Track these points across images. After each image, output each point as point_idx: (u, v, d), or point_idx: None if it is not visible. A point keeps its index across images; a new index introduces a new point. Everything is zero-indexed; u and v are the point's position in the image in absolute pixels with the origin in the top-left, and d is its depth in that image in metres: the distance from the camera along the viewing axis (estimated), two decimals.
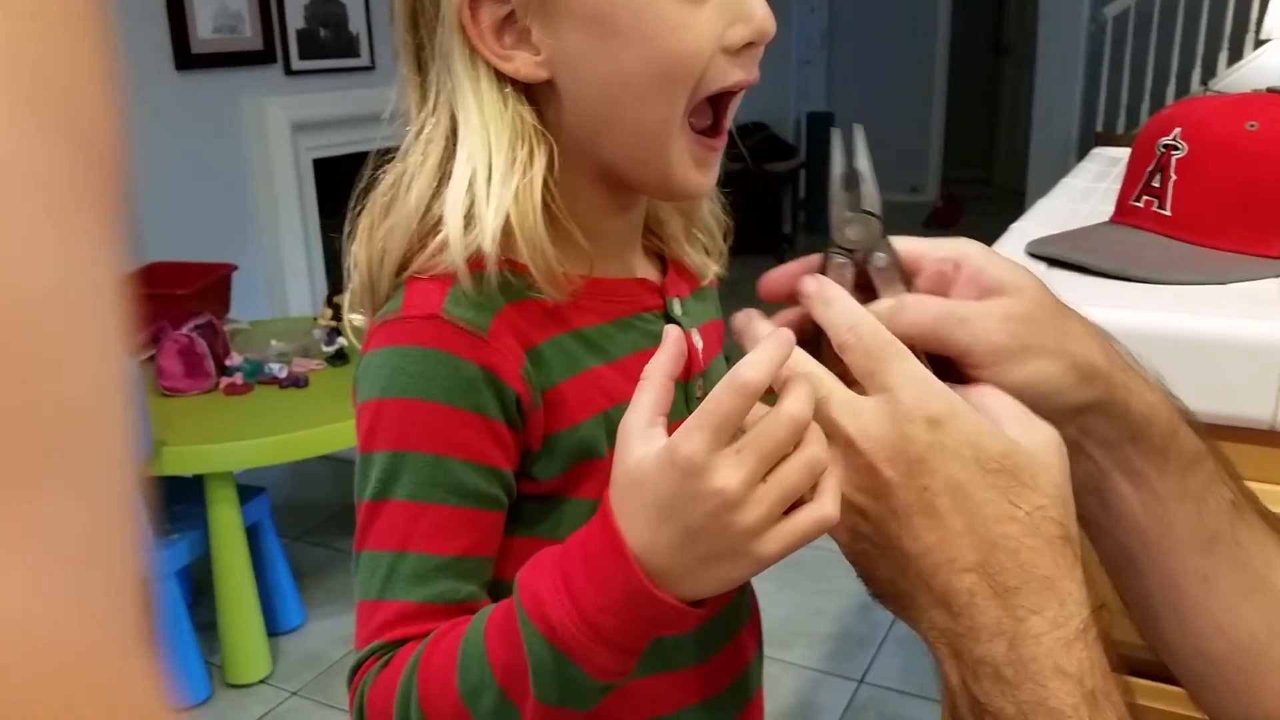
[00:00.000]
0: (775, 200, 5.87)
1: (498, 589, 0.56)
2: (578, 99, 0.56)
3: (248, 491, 2.12)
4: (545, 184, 0.55)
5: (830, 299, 0.55)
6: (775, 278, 0.58)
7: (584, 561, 0.49)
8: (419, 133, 0.58)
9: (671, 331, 0.51)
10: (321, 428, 1.98)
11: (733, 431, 0.47)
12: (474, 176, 0.54)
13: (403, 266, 0.57)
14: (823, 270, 0.57)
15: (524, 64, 0.55)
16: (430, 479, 0.54)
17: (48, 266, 0.16)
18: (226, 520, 2.00)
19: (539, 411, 0.56)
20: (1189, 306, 0.81)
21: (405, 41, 0.58)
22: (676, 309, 0.64)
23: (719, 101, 0.57)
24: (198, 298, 2.35)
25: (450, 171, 0.56)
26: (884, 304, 0.55)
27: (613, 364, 0.59)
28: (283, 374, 2.18)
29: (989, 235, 1.11)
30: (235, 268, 2.57)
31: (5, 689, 0.13)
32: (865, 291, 0.56)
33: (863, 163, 0.56)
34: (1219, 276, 0.89)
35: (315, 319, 2.48)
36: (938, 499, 0.49)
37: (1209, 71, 5.31)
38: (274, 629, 2.15)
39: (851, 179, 0.56)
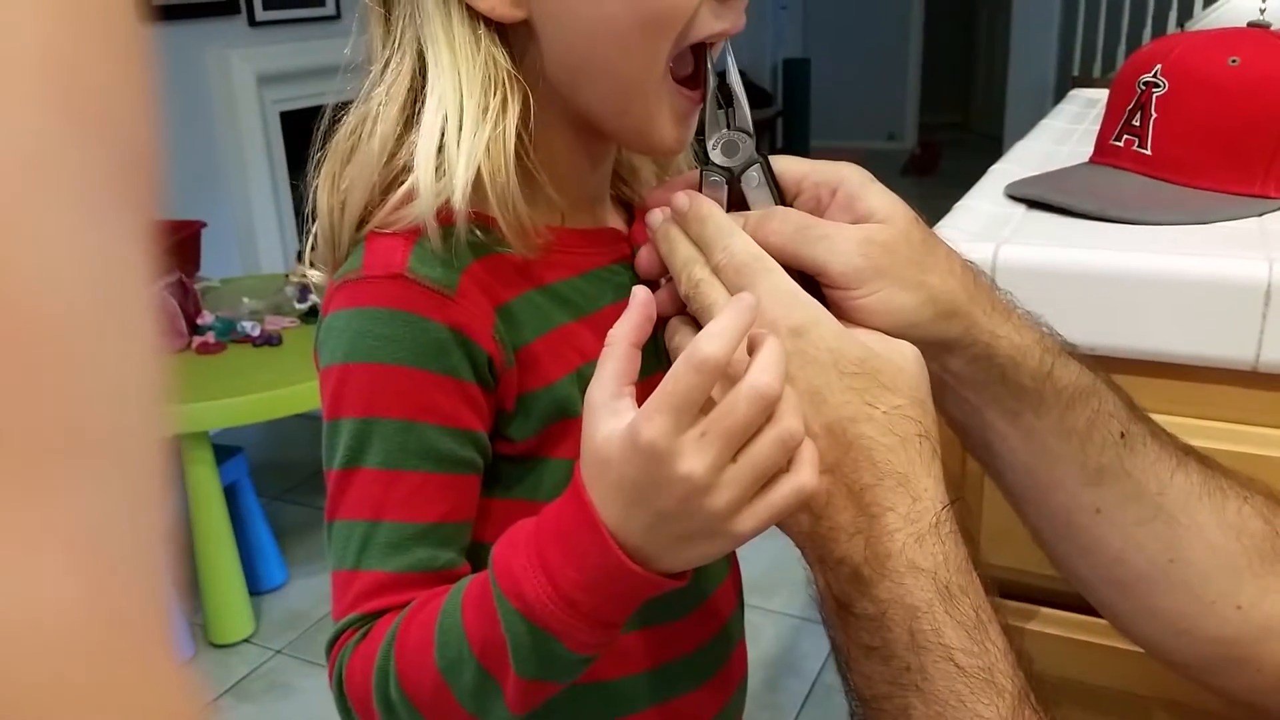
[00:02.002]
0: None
1: (477, 552, 0.55)
2: (556, 43, 0.53)
3: (224, 451, 2.10)
4: (518, 135, 0.52)
5: (704, 216, 0.55)
6: (657, 197, 0.58)
7: (558, 537, 0.48)
8: (383, 70, 0.55)
9: (638, 294, 0.49)
10: (297, 385, 1.96)
11: (695, 411, 0.45)
12: (445, 124, 0.52)
13: (363, 220, 0.54)
14: (699, 189, 0.57)
15: (499, 1, 0.52)
16: (402, 445, 0.52)
17: (82, 268, 0.16)
18: (203, 481, 1.98)
19: (512, 371, 0.54)
20: (1170, 247, 0.80)
21: None
22: None
23: (699, 49, 0.55)
24: (167, 255, 2.31)
25: (416, 116, 0.53)
26: (752, 215, 0.56)
27: (585, 319, 0.58)
28: (255, 332, 2.15)
29: (967, 179, 1.10)
30: (204, 225, 2.53)
31: (34, 684, 0.13)
32: (740, 210, 0.57)
33: (734, 78, 0.56)
34: (1200, 216, 0.88)
35: (287, 276, 2.45)
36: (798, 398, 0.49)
37: (1185, 14, 5.28)
38: (256, 588, 2.15)
39: (725, 95, 0.55)
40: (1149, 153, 0.94)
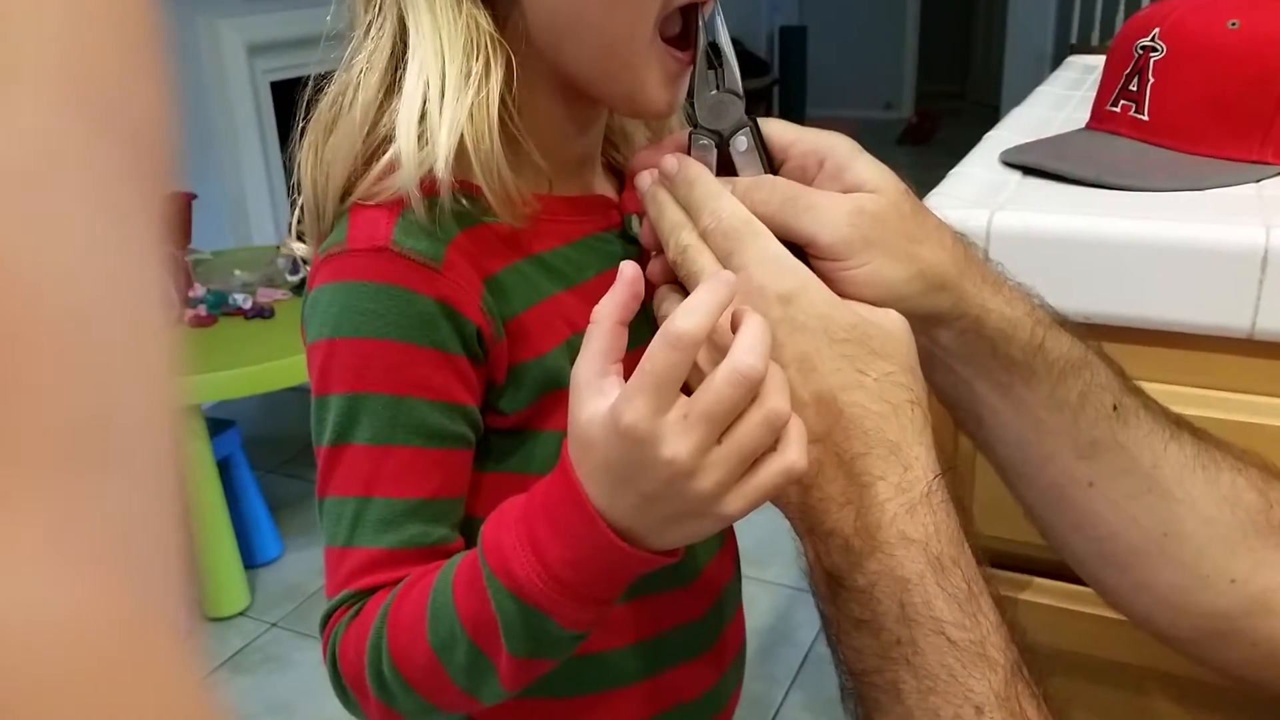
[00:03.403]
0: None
1: (470, 526, 0.54)
2: (539, 4, 0.52)
3: (217, 425, 2.09)
4: (503, 100, 0.51)
5: (693, 179, 0.54)
6: (645, 159, 0.57)
7: (547, 515, 0.47)
8: (364, 36, 0.53)
9: (625, 270, 0.48)
10: (289, 358, 1.94)
11: (675, 390, 0.44)
12: (426, 91, 0.50)
13: (346, 191, 0.53)
14: (688, 152, 0.56)
15: None
16: (391, 421, 0.51)
17: (96, 263, 0.16)
18: (197, 455, 1.97)
19: (502, 343, 0.53)
20: (1166, 213, 0.79)
21: None
22: (635, 226, 0.61)
23: (689, 9, 0.54)
24: None
25: (398, 82, 0.52)
26: (741, 181, 0.55)
27: (574, 289, 0.57)
28: (247, 305, 2.14)
29: (964, 148, 1.09)
30: (194, 196, 2.51)
31: (50, 684, 0.13)
32: (729, 173, 0.56)
33: (723, 39, 0.54)
34: (1197, 182, 0.87)
35: (279, 248, 2.43)
36: (786, 372, 0.48)
37: None
38: (251, 562, 2.15)
39: (714, 58, 0.54)
40: (1146, 118, 0.92)
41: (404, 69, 0.52)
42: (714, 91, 0.55)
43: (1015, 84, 5.57)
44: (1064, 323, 0.58)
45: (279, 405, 2.72)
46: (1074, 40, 5.54)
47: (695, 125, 0.56)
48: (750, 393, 0.44)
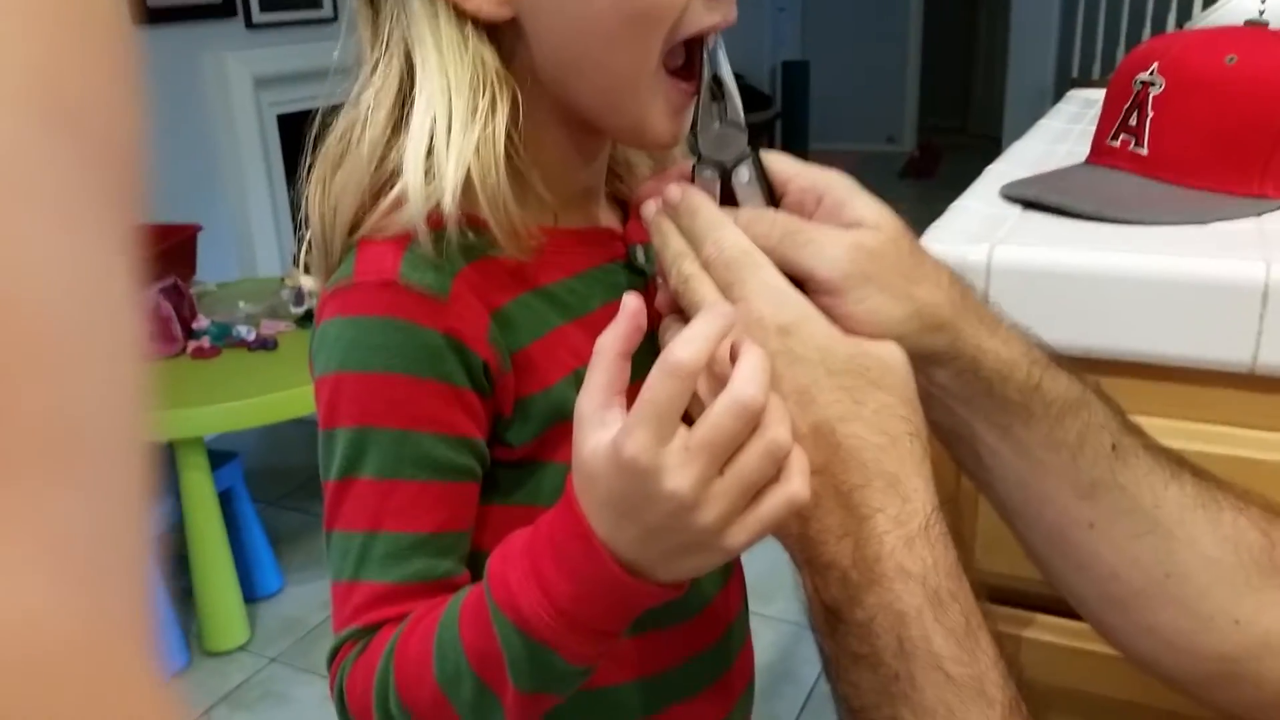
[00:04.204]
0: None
1: (476, 560, 0.54)
2: (544, 41, 0.52)
3: (219, 457, 2.09)
4: (508, 135, 0.52)
5: (695, 208, 0.54)
6: (650, 189, 0.57)
7: (552, 549, 0.47)
8: (371, 72, 0.54)
9: (628, 302, 0.48)
10: (292, 390, 1.95)
11: (675, 421, 0.44)
12: (433, 127, 0.51)
13: (354, 226, 0.53)
14: (691, 182, 0.56)
15: (486, 1, 0.51)
16: (398, 455, 0.51)
17: (60, 272, 0.16)
18: (198, 487, 1.97)
19: (508, 376, 0.54)
20: (1166, 247, 0.79)
21: None
22: (639, 257, 0.62)
23: (693, 42, 0.54)
24: (162, 260, 2.30)
25: (405, 118, 0.52)
26: (743, 213, 0.55)
27: (580, 320, 0.57)
28: (251, 336, 2.14)
29: (966, 181, 1.09)
30: (200, 228, 2.52)
31: (15, 691, 0.13)
32: (731, 204, 0.56)
33: (725, 71, 0.55)
34: (1197, 216, 0.87)
35: (283, 279, 2.44)
36: (784, 403, 0.48)
37: (1184, 14, 5.28)
38: (251, 595, 2.14)
39: (717, 90, 0.55)
40: (1146, 152, 0.93)
41: (411, 105, 0.52)
42: (717, 124, 0.55)
43: (1017, 117, 5.60)
44: (1061, 362, 0.58)
45: (281, 437, 2.72)
46: (1075, 74, 5.57)
47: (699, 156, 0.56)
48: (751, 423, 0.44)
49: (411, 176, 0.50)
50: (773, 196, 0.57)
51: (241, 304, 2.28)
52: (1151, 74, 0.93)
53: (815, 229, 0.54)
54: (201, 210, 2.85)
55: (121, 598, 0.16)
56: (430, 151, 0.51)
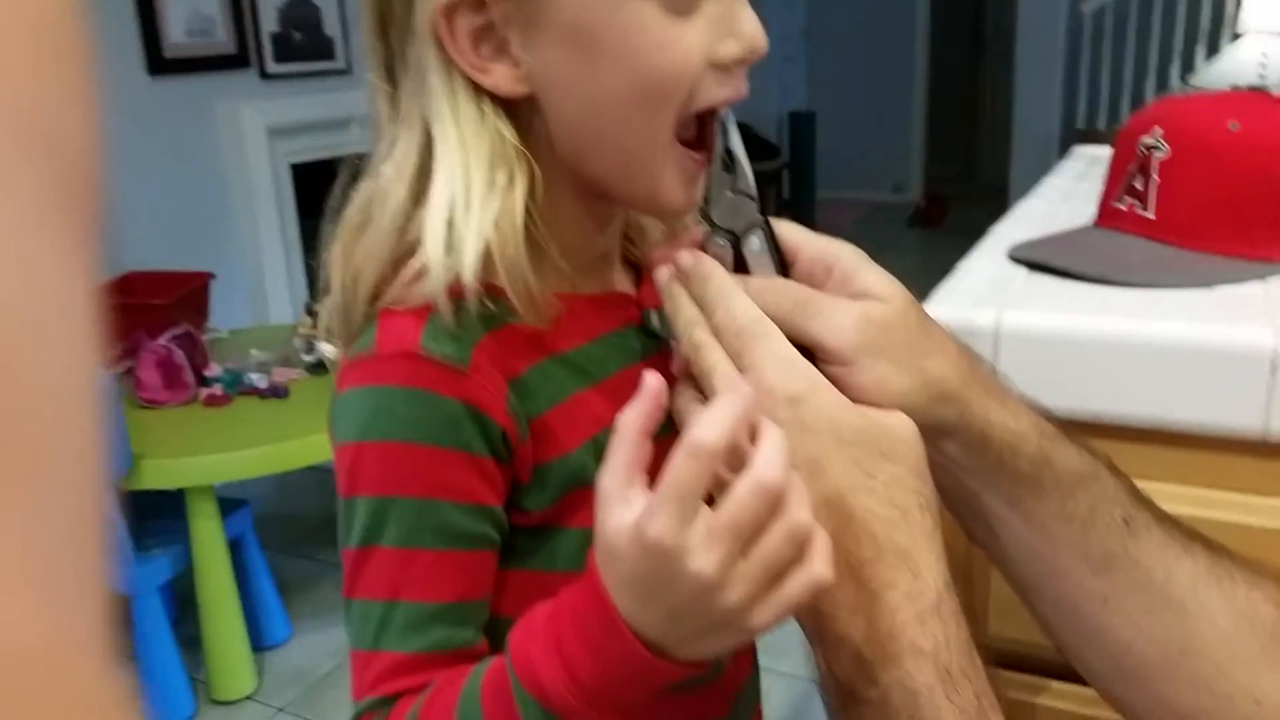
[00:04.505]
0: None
1: (494, 626, 0.54)
2: (560, 115, 0.53)
3: (229, 504, 2.09)
4: (526, 207, 0.53)
5: (706, 276, 0.55)
6: (663, 255, 0.58)
7: (575, 626, 0.48)
8: (391, 146, 0.55)
9: (649, 381, 0.48)
10: (303, 438, 1.96)
11: (698, 502, 0.44)
12: (453, 201, 0.52)
13: (375, 295, 0.54)
14: (703, 249, 0.57)
15: (503, 78, 0.52)
16: (418, 524, 0.52)
17: (13, 280, 0.16)
18: (208, 535, 1.97)
19: (526, 444, 0.54)
20: (1174, 313, 0.80)
21: (374, 48, 0.55)
22: (654, 321, 0.62)
23: (704, 114, 0.55)
24: (175, 307, 2.32)
25: (425, 191, 0.53)
26: (754, 282, 0.56)
27: (596, 386, 0.58)
28: (263, 384, 2.16)
29: (973, 230, 1.10)
30: (213, 276, 2.55)
31: None
32: (742, 272, 0.57)
33: (736, 144, 0.56)
34: (1204, 280, 0.88)
35: (295, 327, 2.46)
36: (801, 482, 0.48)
37: (1187, 66, 5.33)
38: (259, 644, 2.13)
39: (729, 161, 0.56)
40: (1152, 216, 0.94)
41: (431, 179, 0.53)
42: (729, 193, 0.57)
43: (1023, 166, 5.64)
44: (1071, 435, 0.58)
45: (291, 484, 2.72)
46: (1080, 124, 5.62)
47: (711, 225, 0.57)
48: (772, 505, 0.45)
49: (432, 249, 0.51)
50: (783, 265, 0.58)
51: (253, 351, 2.29)
52: (1156, 139, 0.94)
53: (825, 299, 0.55)
54: (215, 258, 2.88)
55: (80, 609, 0.16)
56: (450, 224, 0.52)
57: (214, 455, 1.91)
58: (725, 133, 0.56)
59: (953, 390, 0.55)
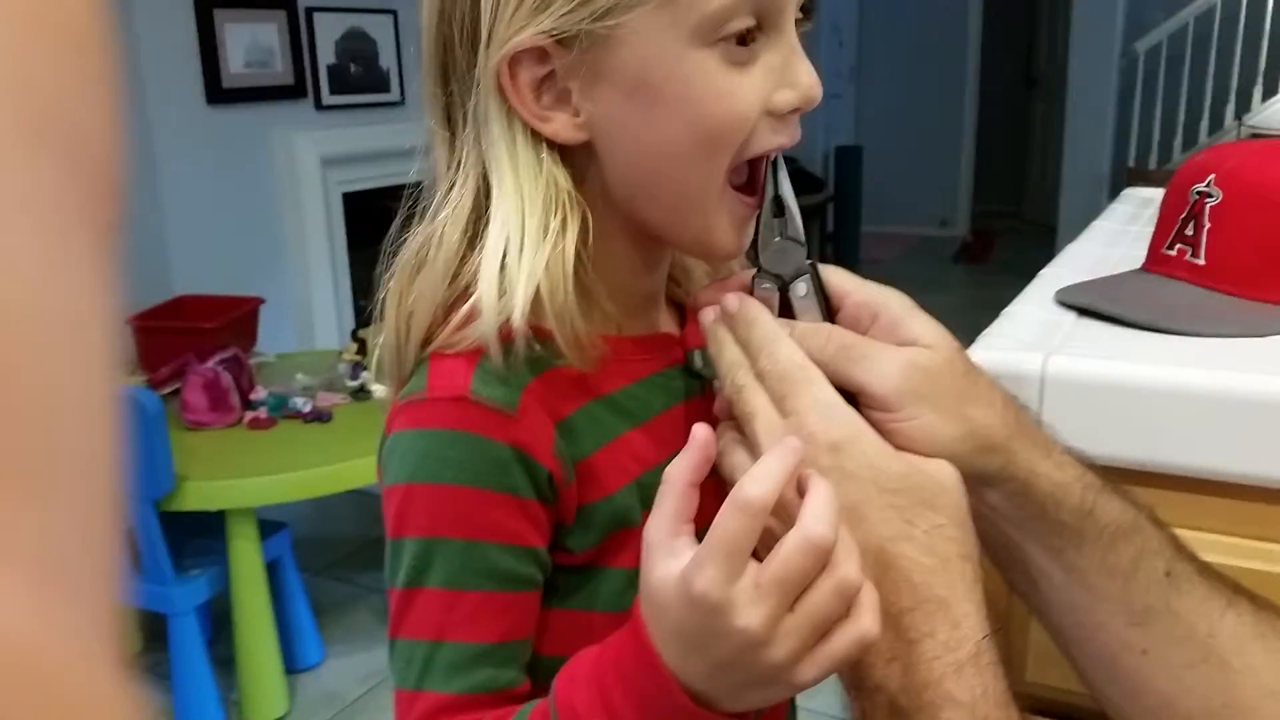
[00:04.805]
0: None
1: (535, 665, 0.55)
2: (616, 161, 0.54)
3: (269, 527, 2.11)
4: (577, 253, 0.53)
5: (752, 319, 0.55)
6: (709, 297, 0.59)
7: (620, 676, 0.48)
8: (448, 190, 0.56)
9: (697, 433, 0.49)
10: (344, 463, 1.98)
11: (746, 556, 0.45)
12: (507, 246, 0.52)
13: (427, 339, 0.55)
14: (750, 293, 0.57)
15: (563, 126, 0.53)
16: (464, 565, 0.52)
17: (30, 281, 0.16)
18: (247, 556, 1.99)
19: (572, 485, 0.54)
20: (1225, 361, 0.79)
21: (434, 95, 0.56)
22: (698, 362, 0.63)
23: (755, 160, 0.56)
24: (224, 331, 2.36)
25: (479, 234, 0.54)
26: (800, 326, 0.56)
27: (641, 427, 0.58)
28: (306, 408, 2.18)
29: (1020, 267, 1.09)
30: (263, 301, 2.59)
31: None
32: (788, 317, 0.57)
33: (786, 191, 0.56)
34: (1255, 329, 0.86)
35: (340, 353, 2.49)
36: (850, 537, 0.48)
37: (1243, 106, 5.26)
38: (292, 666, 2.14)
39: (778, 206, 0.56)
40: (1202, 262, 0.92)
41: (486, 224, 0.54)
42: (778, 239, 0.57)
43: (1072, 204, 5.59)
44: (1114, 487, 0.58)
45: (329, 506, 2.75)
46: (1131, 162, 5.56)
47: (758, 269, 0.58)
48: (820, 561, 0.45)
49: (485, 293, 0.52)
50: (829, 311, 0.58)
51: (299, 376, 2.32)
52: (1208, 185, 0.93)
53: (870, 345, 0.55)
54: (265, 282, 2.93)
55: (87, 613, 0.16)
56: (504, 268, 0.52)
57: (256, 478, 1.94)
58: (776, 179, 0.56)
59: (998, 440, 0.54)
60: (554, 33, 0.50)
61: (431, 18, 0.55)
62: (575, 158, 0.55)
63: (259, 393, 2.22)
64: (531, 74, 0.52)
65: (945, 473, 0.52)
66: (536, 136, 0.53)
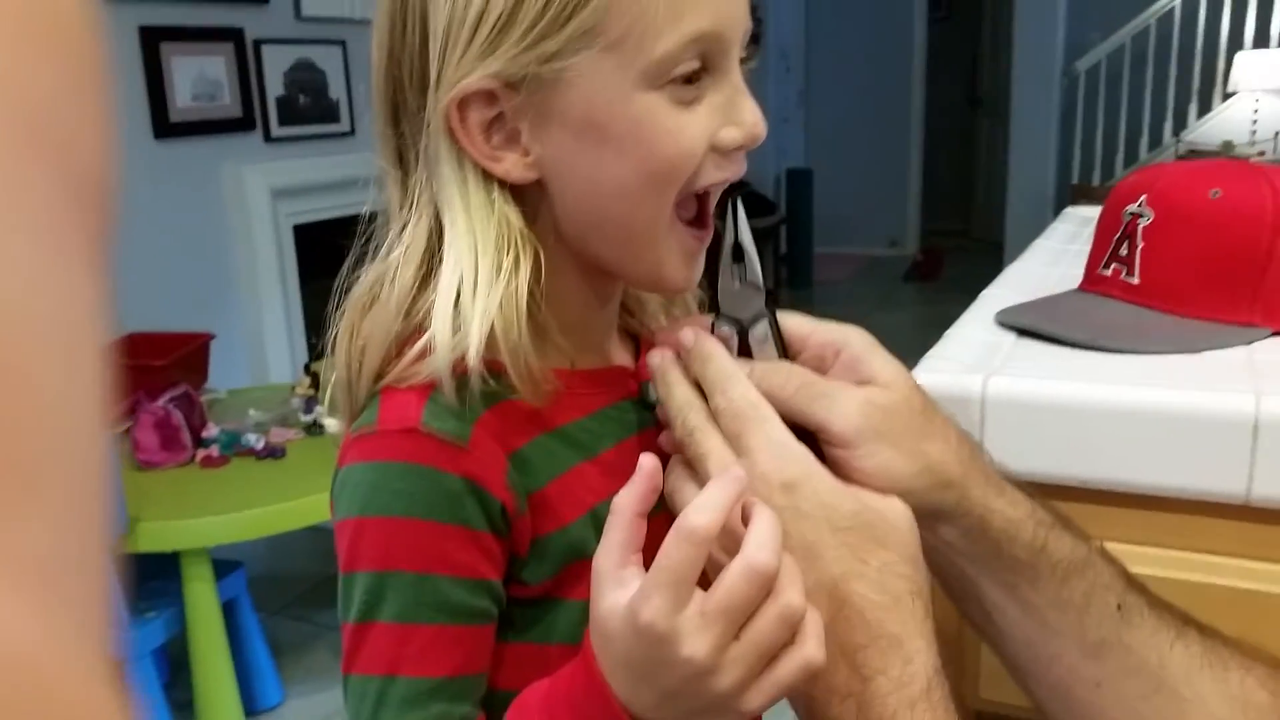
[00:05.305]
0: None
1: (490, 699, 0.55)
2: (567, 199, 0.55)
3: (224, 566, 2.08)
4: (530, 290, 0.54)
5: (708, 356, 0.56)
6: (666, 339, 0.60)
7: (571, 708, 0.48)
8: (400, 230, 0.56)
9: (644, 464, 0.50)
10: (299, 500, 1.96)
11: (691, 585, 0.46)
12: (460, 284, 0.53)
13: (379, 374, 0.55)
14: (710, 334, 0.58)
15: (513, 166, 0.54)
16: (417, 599, 0.52)
17: (22, 288, 0.16)
18: (202, 597, 1.96)
19: (525, 517, 0.55)
20: (1159, 379, 0.81)
21: (385, 136, 0.57)
22: (652, 394, 0.63)
23: (703, 195, 0.57)
24: (175, 368, 2.33)
25: (433, 271, 0.55)
26: (759, 365, 0.57)
27: (595, 459, 0.58)
28: (259, 445, 2.16)
29: (969, 287, 1.12)
30: (213, 337, 2.56)
31: None
32: (747, 360, 0.58)
33: (745, 237, 0.58)
34: (1189, 345, 0.89)
35: (293, 387, 2.46)
36: (795, 565, 0.49)
37: (1180, 123, 5.41)
38: (251, 708, 2.11)
39: (738, 251, 0.57)
40: (1137, 281, 0.95)
41: (439, 262, 0.54)
42: (737, 284, 0.58)
43: (1018, 222, 5.69)
44: (1065, 524, 0.59)
45: (285, 544, 2.71)
46: (1075, 179, 5.68)
47: (717, 313, 0.59)
48: (765, 588, 0.46)
49: (439, 330, 0.52)
50: (785, 354, 0.59)
51: (252, 412, 2.30)
52: (1140, 205, 0.96)
53: (829, 384, 0.56)
54: (216, 317, 2.90)
55: (81, 621, 0.16)
56: (457, 306, 0.53)
57: (209, 517, 1.91)
58: (736, 225, 0.58)
59: (953, 476, 0.56)
60: (502, 75, 0.51)
61: (381, 59, 0.56)
62: (526, 196, 0.55)
63: (211, 430, 2.20)
64: (481, 115, 0.53)
65: (896, 510, 0.53)
66: (488, 176, 0.54)
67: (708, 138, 0.54)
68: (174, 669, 2.19)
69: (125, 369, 2.29)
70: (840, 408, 0.54)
